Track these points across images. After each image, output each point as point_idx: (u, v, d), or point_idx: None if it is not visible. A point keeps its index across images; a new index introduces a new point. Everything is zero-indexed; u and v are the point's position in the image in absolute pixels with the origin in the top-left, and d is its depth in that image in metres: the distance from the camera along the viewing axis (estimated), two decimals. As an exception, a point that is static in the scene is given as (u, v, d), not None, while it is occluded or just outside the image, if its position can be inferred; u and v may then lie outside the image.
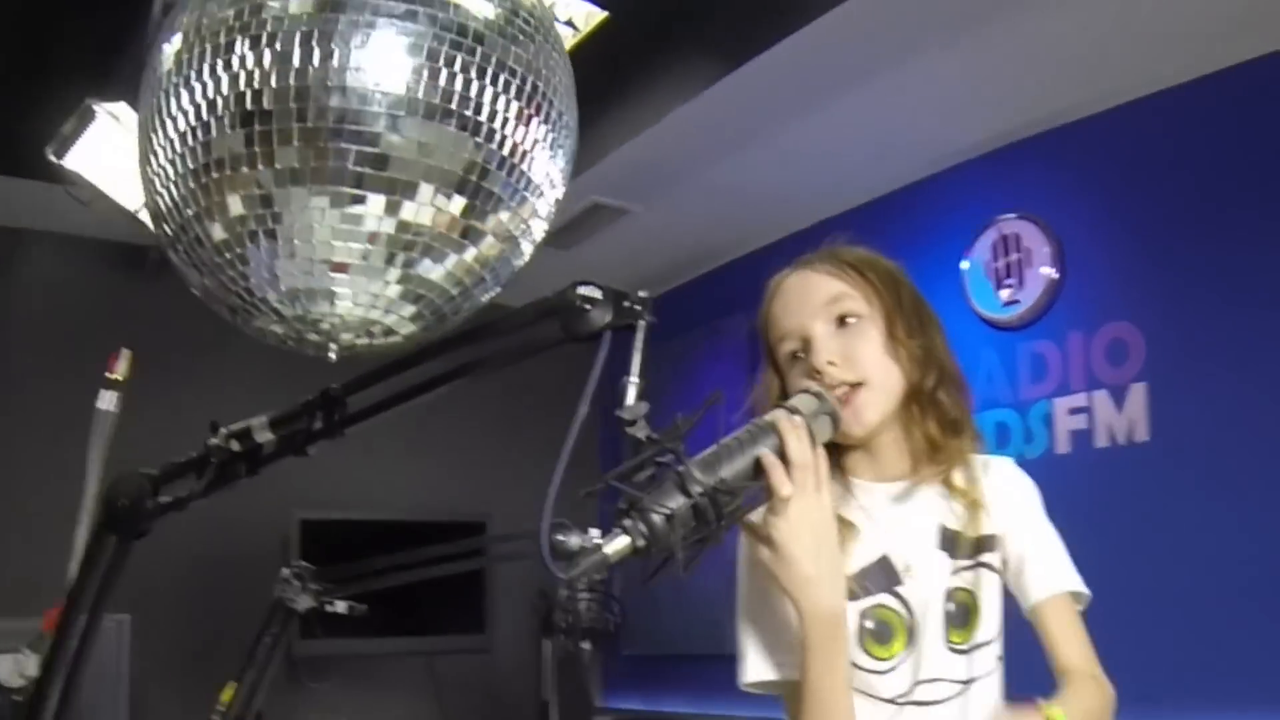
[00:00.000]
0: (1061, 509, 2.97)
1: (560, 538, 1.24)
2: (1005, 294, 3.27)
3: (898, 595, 1.30)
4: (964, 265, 3.39)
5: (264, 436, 1.26)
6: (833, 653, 1.17)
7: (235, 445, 1.27)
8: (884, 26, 2.75)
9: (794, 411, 1.16)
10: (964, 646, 1.31)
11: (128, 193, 2.29)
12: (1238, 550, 2.66)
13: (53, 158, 2.31)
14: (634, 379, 1.06)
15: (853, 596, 1.26)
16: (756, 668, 1.29)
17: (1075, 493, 3.05)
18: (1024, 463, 3.07)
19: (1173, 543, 2.80)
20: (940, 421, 1.34)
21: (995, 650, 1.34)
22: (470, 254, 1.20)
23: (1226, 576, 2.68)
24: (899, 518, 1.34)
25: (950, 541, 1.33)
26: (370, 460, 4.44)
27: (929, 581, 1.31)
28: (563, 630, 1.13)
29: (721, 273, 4.57)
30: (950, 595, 1.31)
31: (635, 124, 3.41)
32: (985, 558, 1.34)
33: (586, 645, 1.15)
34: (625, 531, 0.99)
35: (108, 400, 1.60)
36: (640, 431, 1.04)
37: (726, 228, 4.18)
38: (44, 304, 3.97)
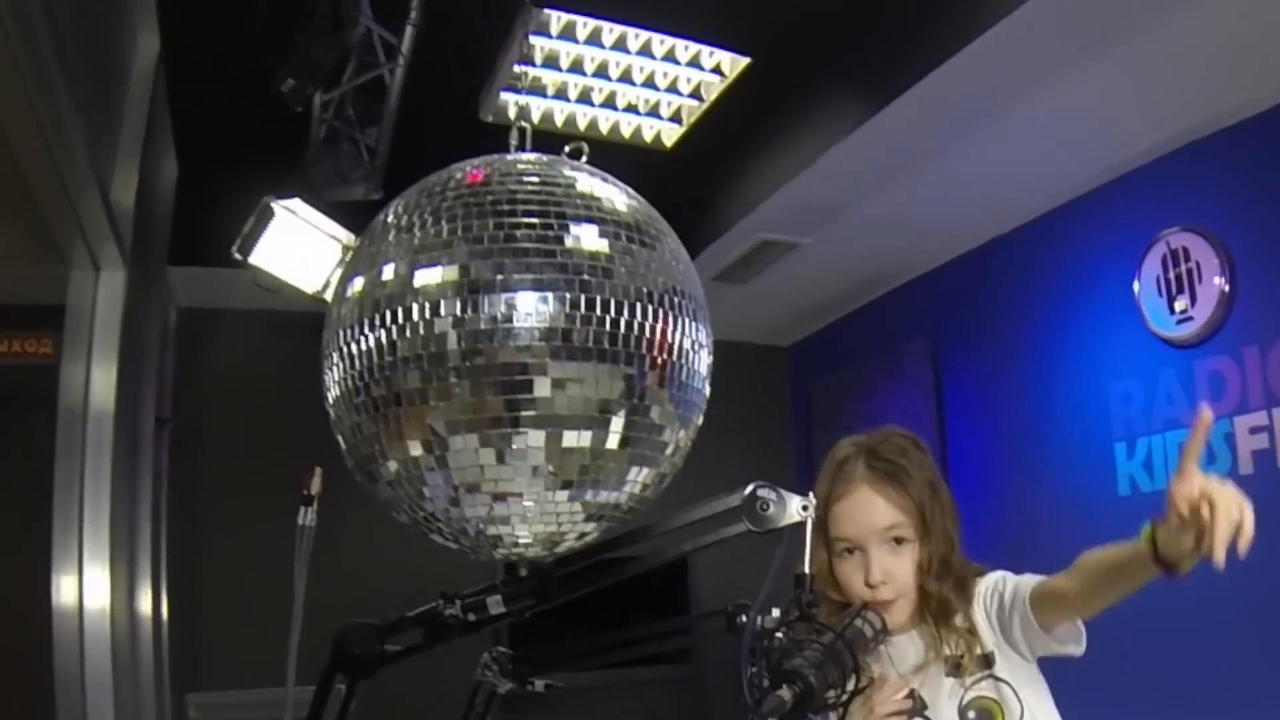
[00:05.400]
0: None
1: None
2: (1179, 307, 3.14)
3: (925, 717, 1.65)
4: (1135, 287, 3.29)
5: (498, 610, 1.42)
6: None
7: (472, 617, 1.42)
8: (1032, 46, 2.70)
9: (871, 627, 1.40)
10: None
11: (308, 278, 2.52)
12: None
13: (238, 255, 2.55)
14: (808, 569, 1.31)
15: None
16: None
17: (1262, 515, 2.88)
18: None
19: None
20: (942, 597, 1.70)
21: None
22: (639, 468, 1.28)
23: None
24: (916, 659, 1.70)
25: (955, 667, 1.66)
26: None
27: (941, 702, 1.65)
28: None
29: (898, 295, 4.54)
30: (968, 705, 1.64)
31: (791, 166, 3.48)
32: (995, 669, 1.65)
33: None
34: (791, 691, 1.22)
35: (305, 516, 1.70)
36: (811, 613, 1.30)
37: (897, 254, 4.18)
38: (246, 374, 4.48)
